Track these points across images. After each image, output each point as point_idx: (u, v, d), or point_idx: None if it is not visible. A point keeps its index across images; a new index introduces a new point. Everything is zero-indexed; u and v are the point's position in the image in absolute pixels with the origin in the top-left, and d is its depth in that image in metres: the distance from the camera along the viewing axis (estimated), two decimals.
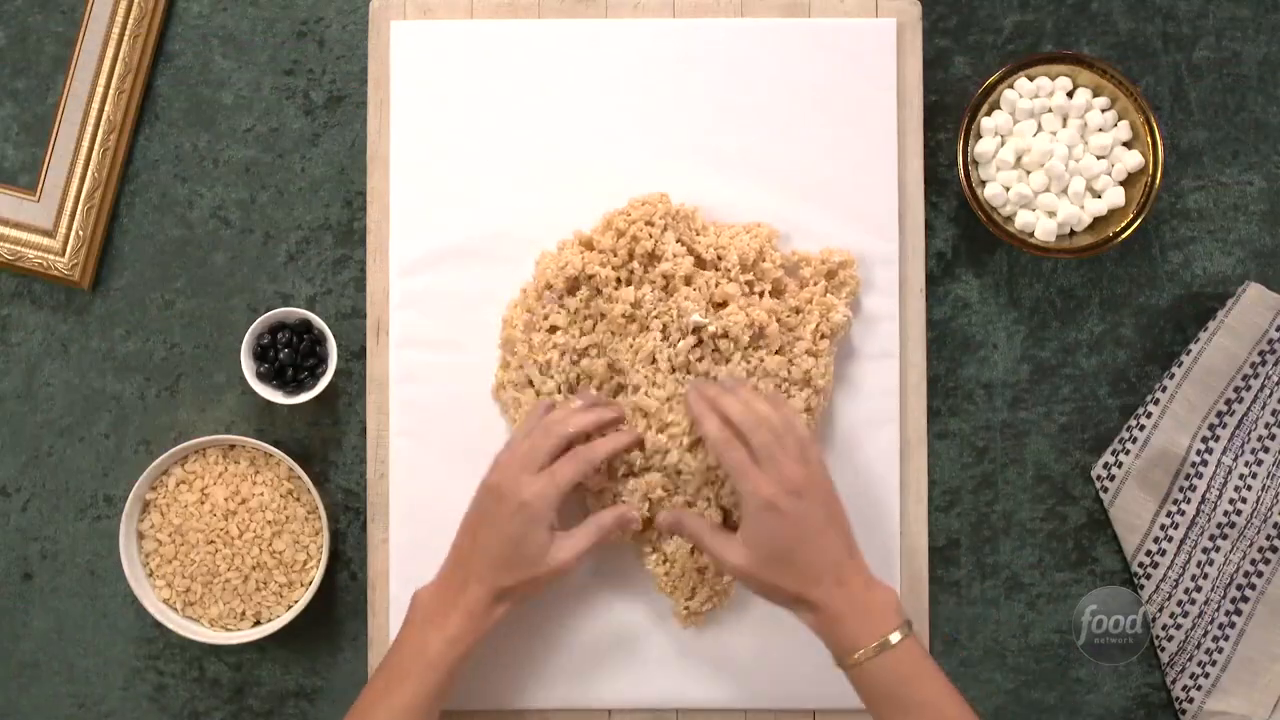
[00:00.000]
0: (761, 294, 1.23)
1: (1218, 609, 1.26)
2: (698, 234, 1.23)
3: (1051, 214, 1.24)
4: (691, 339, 1.20)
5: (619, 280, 1.21)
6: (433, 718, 1.15)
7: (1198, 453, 1.26)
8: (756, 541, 1.12)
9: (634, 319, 1.21)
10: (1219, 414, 1.26)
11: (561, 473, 1.15)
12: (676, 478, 1.20)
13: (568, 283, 1.22)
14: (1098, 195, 1.25)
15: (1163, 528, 1.26)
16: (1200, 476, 1.26)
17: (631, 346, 1.21)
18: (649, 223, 1.22)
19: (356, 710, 1.15)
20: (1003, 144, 1.25)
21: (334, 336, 1.26)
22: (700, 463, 1.19)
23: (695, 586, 1.23)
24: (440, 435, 1.26)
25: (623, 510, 1.19)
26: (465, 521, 1.18)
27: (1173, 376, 1.27)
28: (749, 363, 1.21)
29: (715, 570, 1.22)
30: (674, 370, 1.21)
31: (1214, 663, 1.26)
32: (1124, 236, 1.23)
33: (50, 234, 1.27)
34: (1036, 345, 1.28)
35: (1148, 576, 1.27)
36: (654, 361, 1.21)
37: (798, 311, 1.23)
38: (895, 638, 1.10)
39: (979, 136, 1.26)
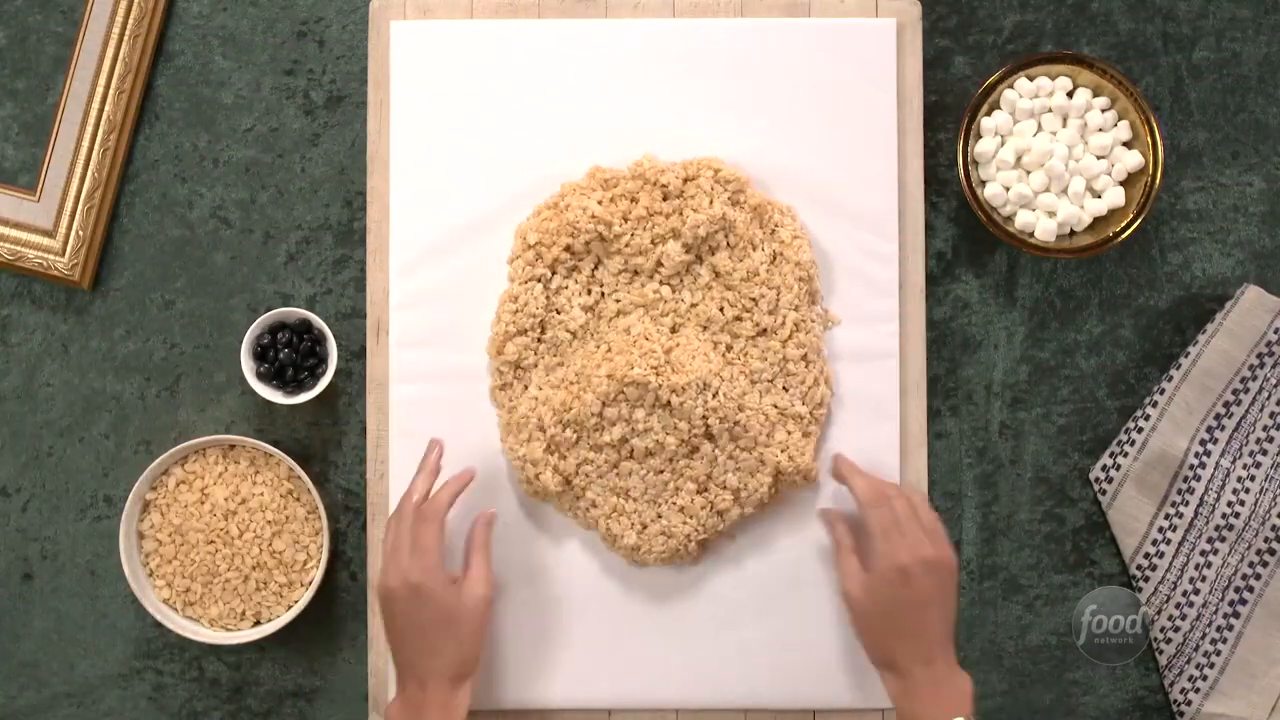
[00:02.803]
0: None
1: (1216, 611, 1.26)
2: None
3: (1051, 214, 1.24)
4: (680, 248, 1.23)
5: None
6: None
7: (1196, 455, 1.26)
8: (876, 596, 1.18)
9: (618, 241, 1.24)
10: (1217, 416, 1.26)
11: (422, 536, 1.18)
12: (664, 412, 1.21)
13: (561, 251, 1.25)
14: (1098, 195, 1.25)
15: (1161, 530, 1.26)
16: (1198, 479, 1.26)
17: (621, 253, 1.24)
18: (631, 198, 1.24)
19: None
20: (1003, 144, 1.25)
21: (334, 336, 1.26)
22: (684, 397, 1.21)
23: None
24: (440, 435, 1.26)
25: (480, 514, 1.22)
26: (388, 634, 1.19)
27: (1171, 379, 1.26)
28: (729, 265, 1.24)
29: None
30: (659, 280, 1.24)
31: (1212, 665, 1.26)
32: (1124, 237, 1.23)
33: (50, 234, 1.27)
34: (1036, 346, 1.28)
35: (1146, 579, 1.27)
36: (636, 273, 1.25)
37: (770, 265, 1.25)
38: None
39: (979, 136, 1.26)
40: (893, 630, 1.17)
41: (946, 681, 1.16)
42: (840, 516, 1.23)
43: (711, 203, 1.22)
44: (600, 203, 1.23)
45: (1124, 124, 1.25)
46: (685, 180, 1.24)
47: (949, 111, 1.29)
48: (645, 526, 1.23)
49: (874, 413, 1.27)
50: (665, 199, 1.23)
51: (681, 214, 1.23)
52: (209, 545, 1.26)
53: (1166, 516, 1.26)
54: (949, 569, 1.18)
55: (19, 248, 1.27)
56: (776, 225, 1.25)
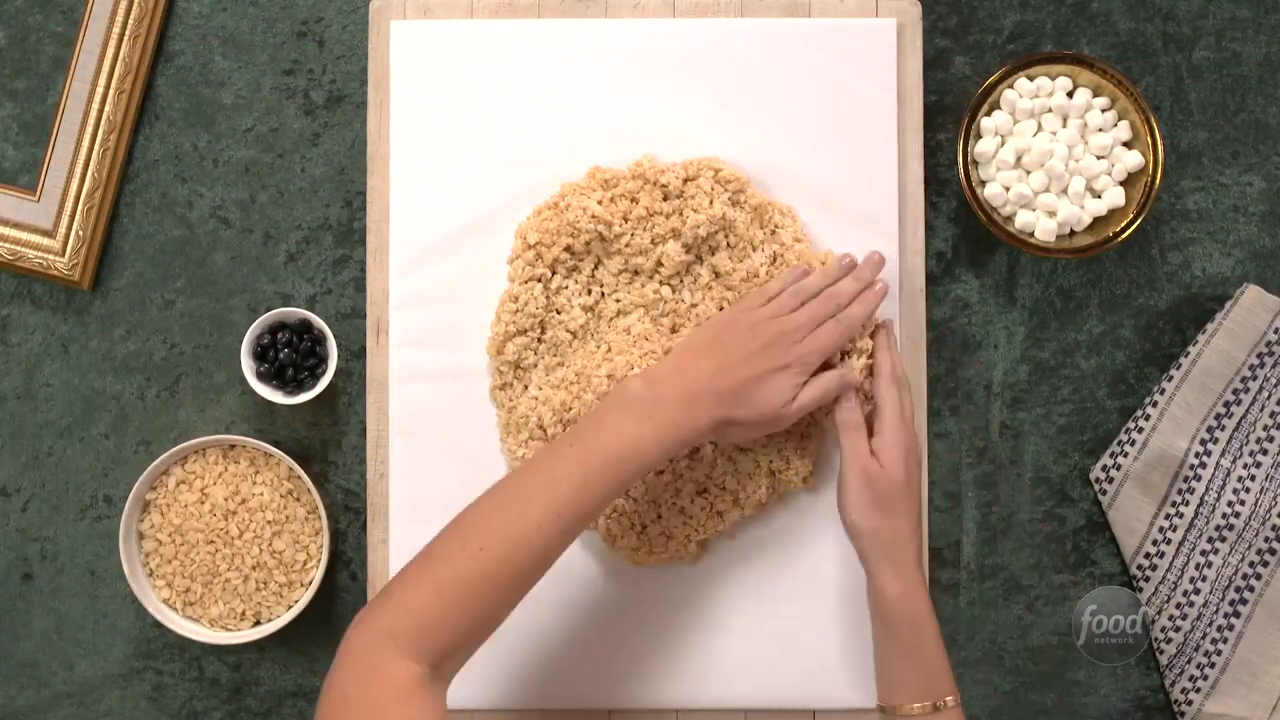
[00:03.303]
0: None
1: (1216, 611, 1.26)
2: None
3: (1051, 214, 1.24)
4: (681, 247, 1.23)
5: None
6: (599, 512, 1.11)
7: (1196, 455, 1.26)
8: (890, 474, 1.17)
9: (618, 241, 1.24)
10: (1217, 416, 1.26)
11: (826, 336, 1.17)
12: None
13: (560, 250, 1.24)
14: (1098, 195, 1.25)
15: (1161, 530, 1.26)
16: (1199, 479, 1.26)
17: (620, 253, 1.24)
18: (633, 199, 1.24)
19: (534, 473, 1.11)
20: (1003, 144, 1.25)
21: (334, 336, 1.26)
22: None
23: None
24: (440, 435, 1.26)
25: (842, 373, 1.19)
26: (708, 345, 1.17)
27: (1171, 379, 1.27)
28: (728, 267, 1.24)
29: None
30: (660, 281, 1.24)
31: (1213, 665, 1.26)
32: (1124, 236, 1.23)
33: (50, 234, 1.27)
34: (1036, 346, 1.28)
35: (1146, 579, 1.27)
36: (636, 273, 1.25)
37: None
38: (949, 701, 1.15)
39: (979, 136, 1.26)
40: (895, 510, 1.16)
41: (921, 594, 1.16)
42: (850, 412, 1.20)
43: (711, 203, 1.22)
44: (600, 203, 1.23)
45: (1124, 124, 1.25)
46: (685, 180, 1.24)
47: (949, 111, 1.29)
48: (645, 527, 1.23)
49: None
50: (665, 199, 1.24)
51: (681, 214, 1.23)
52: (209, 545, 1.26)
53: (1167, 516, 1.26)
54: None
55: (19, 248, 1.27)
56: (777, 226, 1.25)
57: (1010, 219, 1.25)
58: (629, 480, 1.10)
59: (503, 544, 1.06)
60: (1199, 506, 1.26)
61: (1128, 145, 1.25)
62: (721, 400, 1.13)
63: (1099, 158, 1.24)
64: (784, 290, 1.20)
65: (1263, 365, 1.26)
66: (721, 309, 1.23)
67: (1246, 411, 1.26)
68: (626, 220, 1.23)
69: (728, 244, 1.24)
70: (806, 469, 1.24)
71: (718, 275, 1.24)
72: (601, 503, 1.09)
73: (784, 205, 1.25)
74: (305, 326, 1.26)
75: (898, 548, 1.16)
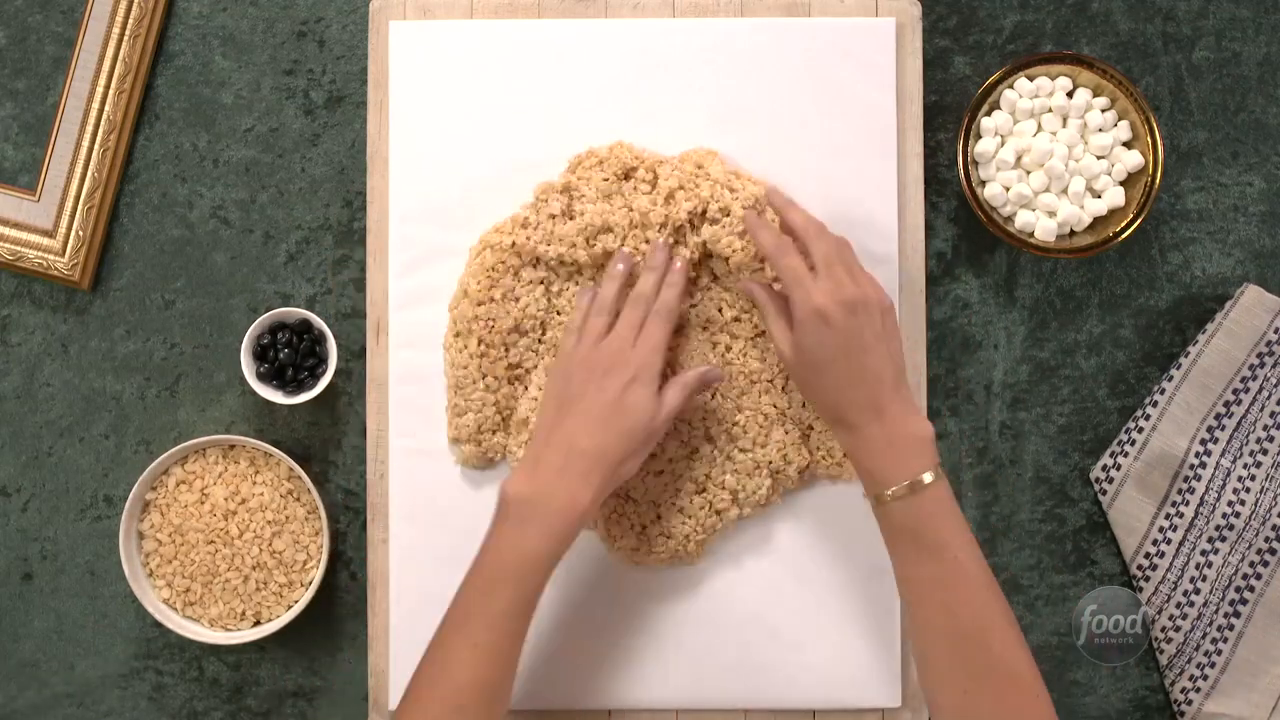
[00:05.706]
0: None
1: (1216, 611, 1.26)
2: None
3: (1051, 214, 1.24)
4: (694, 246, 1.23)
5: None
6: (528, 622, 1.12)
7: (1196, 455, 1.26)
8: (802, 346, 1.13)
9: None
10: (1217, 416, 1.26)
11: (654, 334, 1.17)
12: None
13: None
14: (1098, 195, 1.25)
15: (1161, 530, 1.26)
16: (1199, 479, 1.26)
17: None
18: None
19: (452, 618, 1.11)
20: (1003, 144, 1.25)
21: (334, 336, 1.26)
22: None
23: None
24: (440, 435, 1.26)
25: (705, 369, 1.20)
26: (551, 404, 1.16)
27: (1171, 379, 1.27)
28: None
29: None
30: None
31: (1213, 665, 1.26)
32: (1124, 236, 1.23)
33: (50, 234, 1.27)
34: (1036, 346, 1.28)
35: (1146, 579, 1.27)
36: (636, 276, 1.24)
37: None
38: (927, 478, 1.09)
39: (979, 136, 1.26)
40: (830, 382, 1.12)
41: (903, 432, 1.11)
42: (765, 284, 1.19)
43: (709, 207, 1.22)
44: (596, 202, 1.23)
45: (1124, 124, 1.25)
46: (681, 182, 1.23)
47: (949, 111, 1.29)
48: (644, 527, 1.23)
49: None
50: (665, 196, 1.23)
51: (685, 231, 1.22)
52: (209, 545, 1.26)
53: (1167, 516, 1.27)
54: (877, 307, 1.13)
55: (19, 248, 1.27)
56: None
57: (1010, 219, 1.25)
58: (540, 585, 1.12)
59: (442, 706, 1.09)
60: (1199, 506, 1.26)
61: (1128, 145, 1.25)
62: (594, 455, 1.12)
63: (1099, 158, 1.24)
64: (586, 317, 1.19)
65: (1263, 365, 1.26)
66: (720, 310, 1.23)
67: (1246, 411, 1.26)
68: (627, 223, 1.23)
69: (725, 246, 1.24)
70: (806, 468, 1.24)
71: (715, 278, 1.24)
72: (521, 619, 1.11)
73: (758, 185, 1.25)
74: (305, 326, 1.26)
75: (841, 408, 1.12)
